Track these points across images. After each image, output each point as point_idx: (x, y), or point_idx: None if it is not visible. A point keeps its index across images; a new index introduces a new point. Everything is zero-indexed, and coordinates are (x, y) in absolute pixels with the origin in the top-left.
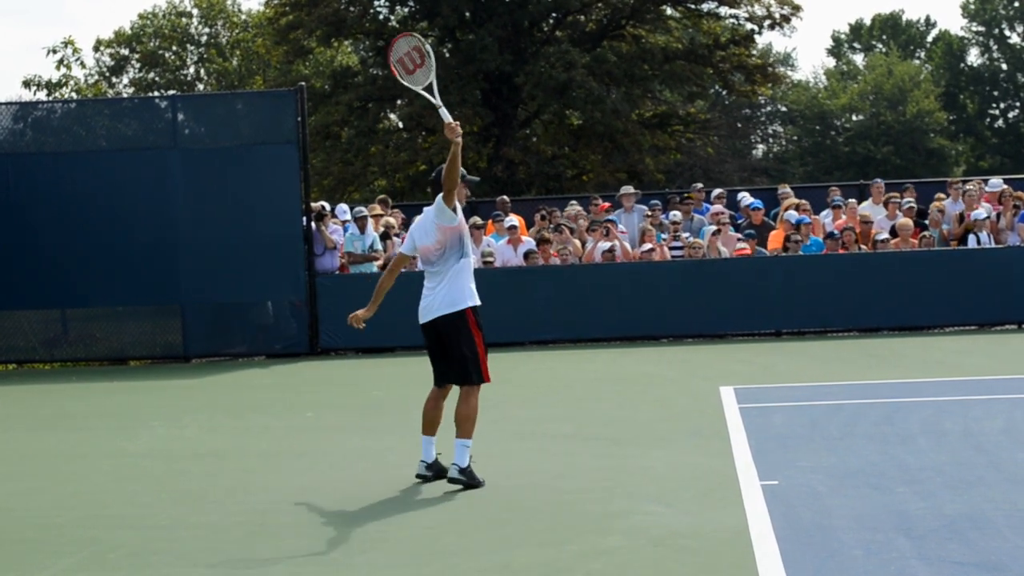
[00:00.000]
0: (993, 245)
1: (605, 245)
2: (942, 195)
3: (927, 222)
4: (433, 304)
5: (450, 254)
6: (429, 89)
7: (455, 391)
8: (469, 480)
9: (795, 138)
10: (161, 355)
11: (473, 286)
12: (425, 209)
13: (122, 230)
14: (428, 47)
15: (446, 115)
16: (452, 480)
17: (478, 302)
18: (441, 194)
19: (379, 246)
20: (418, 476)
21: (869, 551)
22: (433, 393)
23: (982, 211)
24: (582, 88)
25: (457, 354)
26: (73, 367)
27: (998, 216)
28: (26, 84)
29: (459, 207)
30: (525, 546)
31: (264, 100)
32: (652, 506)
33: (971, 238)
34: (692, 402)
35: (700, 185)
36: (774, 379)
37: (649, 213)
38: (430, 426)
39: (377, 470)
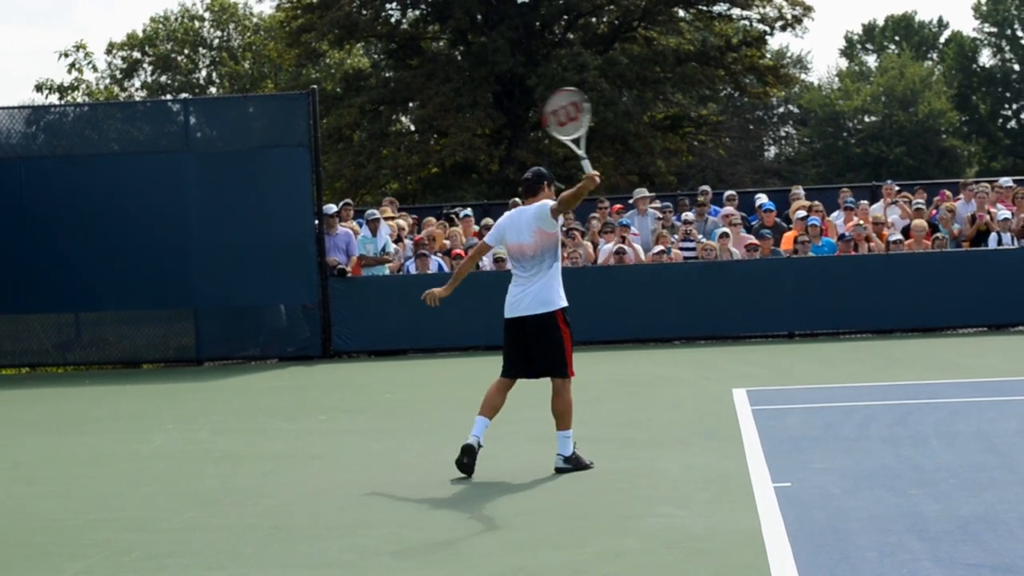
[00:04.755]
0: (1015, 246)
1: (615, 247)
2: (948, 192)
3: (937, 221)
4: (523, 301)
5: (545, 256)
6: (576, 142)
7: (518, 387)
8: (575, 466)
9: (807, 140)
10: (174, 358)
11: (562, 288)
12: (518, 208)
13: (135, 233)
14: (587, 103)
15: (588, 167)
16: (559, 469)
17: (566, 303)
18: (547, 202)
19: (391, 248)
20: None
21: (882, 553)
22: (499, 383)
23: (1006, 211)
24: (594, 90)
25: (545, 349)
26: (86, 370)
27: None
28: (38, 88)
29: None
30: (540, 548)
31: (276, 103)
32: (666, 508)
33: (992, 238)
34: (705, 404)
35: (708, 188)
36: (787, 381)
37: (660, 216)
38: (489, 409)
39: (390, 473)
